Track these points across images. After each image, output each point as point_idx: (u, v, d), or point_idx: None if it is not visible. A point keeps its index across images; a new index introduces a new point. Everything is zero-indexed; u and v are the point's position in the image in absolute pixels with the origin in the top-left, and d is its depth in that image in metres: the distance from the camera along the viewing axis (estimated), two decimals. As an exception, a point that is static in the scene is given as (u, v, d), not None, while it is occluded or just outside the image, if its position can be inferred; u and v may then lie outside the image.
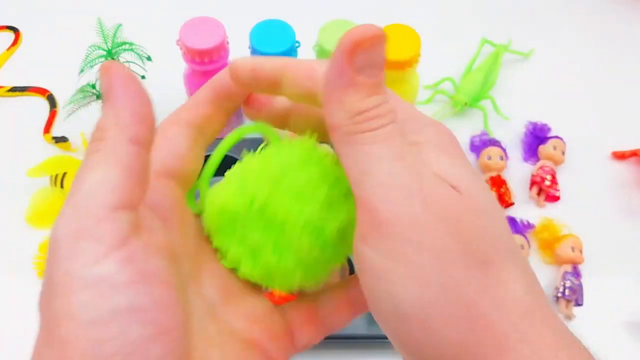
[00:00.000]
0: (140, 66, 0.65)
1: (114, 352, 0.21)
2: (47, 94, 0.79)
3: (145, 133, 0.23)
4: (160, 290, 0.22)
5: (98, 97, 0.66)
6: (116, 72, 0.23)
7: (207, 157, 0.29)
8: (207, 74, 0.66)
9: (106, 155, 0.22)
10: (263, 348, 0.27)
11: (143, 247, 0.22)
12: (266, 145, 0.30)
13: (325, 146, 0.29)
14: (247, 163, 0.29)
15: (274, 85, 0.27)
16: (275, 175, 0.27)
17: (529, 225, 0.68)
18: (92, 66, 0.65)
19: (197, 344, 0.24)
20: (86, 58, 0.65)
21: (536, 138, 0.74)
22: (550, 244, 0.67)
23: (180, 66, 0.68)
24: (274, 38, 0.64)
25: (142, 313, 0.21)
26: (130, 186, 0.22)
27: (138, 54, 0.65)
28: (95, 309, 0.21)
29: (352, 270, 0.62)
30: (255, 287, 0.29)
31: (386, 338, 0.25)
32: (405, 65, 0.65)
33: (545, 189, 0.70)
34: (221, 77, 0.28)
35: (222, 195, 0.28)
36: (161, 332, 0.22)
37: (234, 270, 0.29)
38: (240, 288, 0.28)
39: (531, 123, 0.75)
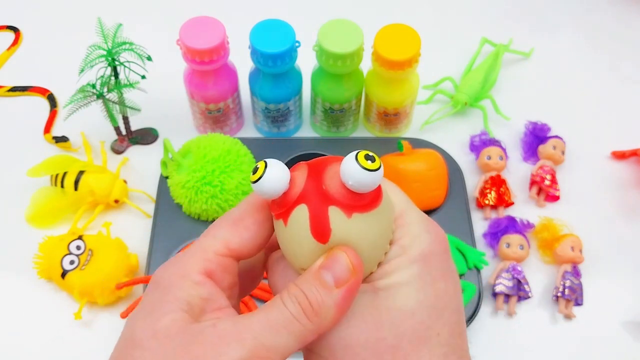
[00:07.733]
0: (141, 66, 0.65)
1: None
2: (48, 93, 0.79)
3: None
4: None
5: (98, 96, 0.66)
6: None
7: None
8: (207, 74, 0.66)
9: None
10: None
11: None
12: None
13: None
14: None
15: None
16: (214, 158, 0.63)
17: (529, 225, 0.68)
18: (92, 66, 0.65)
19: None
20: (86, 58, 0.64)
21: (536, 138, 0.74)
22: (550, 244, 0.66)
23: (180, 66, 0.68)
24: (274, 38, 0.63)
25: None
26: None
27: (138, 54, 0.65)
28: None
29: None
30: None
31: None
32: (405, 65, 0.65)
33: (545, 189, 0.70)
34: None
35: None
36: None
37: None
38: None
39: (531, 123, 0.75)
